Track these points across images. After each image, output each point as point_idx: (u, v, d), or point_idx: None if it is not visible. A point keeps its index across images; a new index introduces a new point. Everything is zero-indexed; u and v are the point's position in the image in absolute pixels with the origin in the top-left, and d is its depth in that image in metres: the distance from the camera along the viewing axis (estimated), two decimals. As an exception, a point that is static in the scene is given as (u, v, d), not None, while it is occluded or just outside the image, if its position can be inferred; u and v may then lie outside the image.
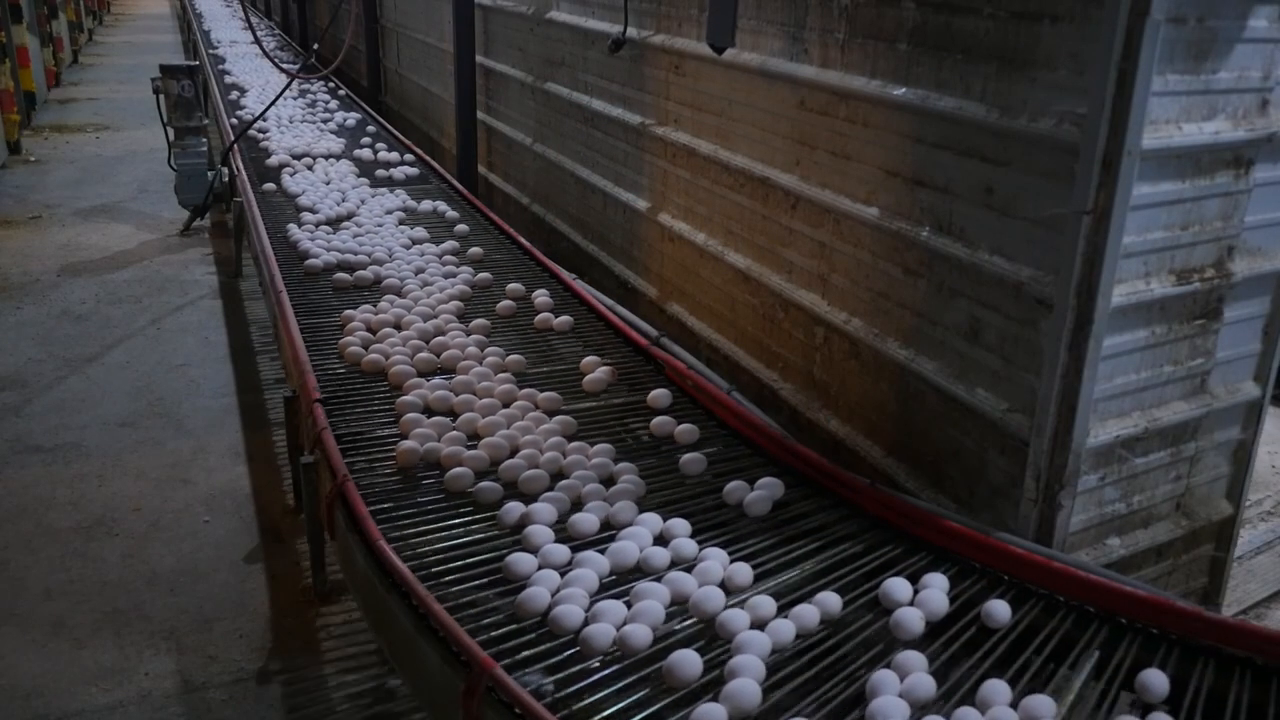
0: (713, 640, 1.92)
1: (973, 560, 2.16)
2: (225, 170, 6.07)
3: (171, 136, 6.54)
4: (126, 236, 6.47)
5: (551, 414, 2.80)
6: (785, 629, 1.91)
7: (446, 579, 2.05)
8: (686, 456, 2.56)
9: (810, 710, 1.73)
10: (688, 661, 1.78)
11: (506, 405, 2.83)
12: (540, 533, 2.19)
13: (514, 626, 1.92)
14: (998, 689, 1.76)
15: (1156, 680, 1.78)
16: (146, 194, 7.45)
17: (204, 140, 6.56)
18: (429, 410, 2.79)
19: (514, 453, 2.56)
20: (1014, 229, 2.24)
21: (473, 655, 1.74)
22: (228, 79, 8.82)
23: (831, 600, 2.00)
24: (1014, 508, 2.28)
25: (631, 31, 3.96)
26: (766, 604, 1.98)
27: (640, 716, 1.70)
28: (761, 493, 2.38)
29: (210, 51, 10.53)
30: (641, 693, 1.75)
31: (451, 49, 6.00)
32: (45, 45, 11.54)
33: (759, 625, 1.92)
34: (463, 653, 1.77)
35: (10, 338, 4.83)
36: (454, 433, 2.64)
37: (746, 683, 1.73)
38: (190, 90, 6.46)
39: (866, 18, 2.67)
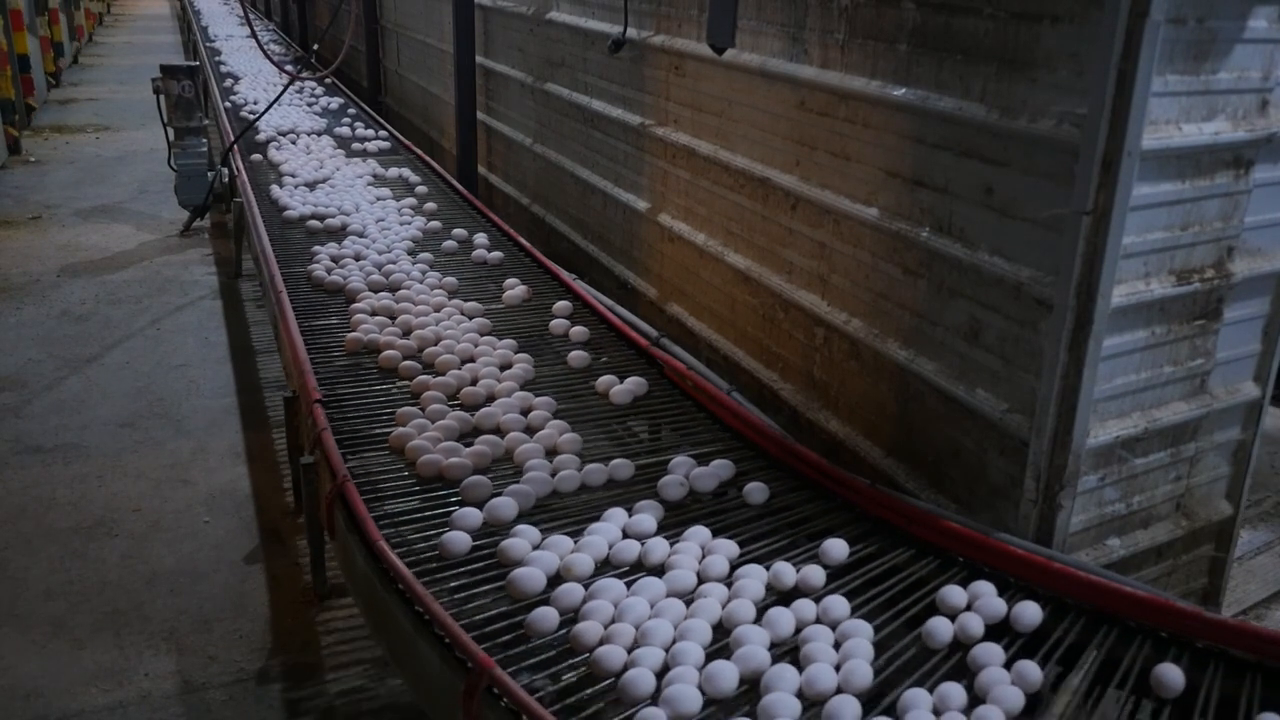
0: (529, 481, 2.41)
1: (972, 560, 2.16)
2: (225, 170, 6.08)
3: (171, 137, 6.54)
4: (126, 237, 6.47)
5: (472, 317, 3.50)
6: (571, 478, 2.46)
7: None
8: (574, 354, 3.19)
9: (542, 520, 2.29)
10: (480, 485, 2.37)
11: (437, 310, 3.55)
12: (433, 396, 2.85)
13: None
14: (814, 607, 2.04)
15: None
16: (146, 194, 7.45)
17: (204, 141, 6.56)
18: (374, 313, 3.49)
19: (436, 342, 3.24)
20: (1014, 229, 2.24)
21: (473, 655, 1.74)
22: (223, 69, 8.96)
23: (623, 466, 2.51)
24: (1014, 508, 2.28)
25: (631, 32, 3.96)
26: (573, 460, 2.53)
27: (436, 525, 2.24)
28: (627, 386, 2.94)
29: (208, 45, 10.56)
30: (448, 504, 2.33)
31: (451, 49, 5.99)
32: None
33: (558, 470, 2.48)
34: (463, 653, 1.77)
35: (10, 338, 4.83)
36: (391, 328, 3.35)
37: (504, 502, 2.29)
38: (190, 91, 6.47)
39: (866, 18, 2.67)
